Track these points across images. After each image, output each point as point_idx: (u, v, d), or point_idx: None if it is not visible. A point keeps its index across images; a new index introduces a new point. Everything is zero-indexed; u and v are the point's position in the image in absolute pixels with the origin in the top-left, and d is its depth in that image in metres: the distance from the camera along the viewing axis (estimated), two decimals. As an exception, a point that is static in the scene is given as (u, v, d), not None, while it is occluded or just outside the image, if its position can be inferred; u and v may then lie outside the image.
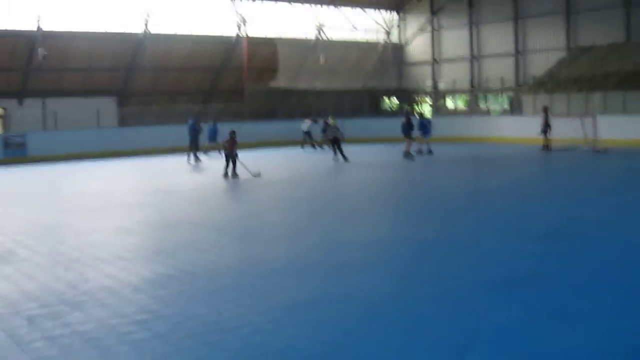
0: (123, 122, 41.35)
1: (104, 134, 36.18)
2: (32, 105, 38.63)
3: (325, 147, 33.12)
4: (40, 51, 36.60)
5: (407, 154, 28.48)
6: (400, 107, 52.48)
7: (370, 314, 7.89)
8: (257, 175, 23.03)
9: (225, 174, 23.33)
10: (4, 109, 40.01)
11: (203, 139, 32.63)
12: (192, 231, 13.36)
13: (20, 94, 40.04)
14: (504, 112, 46.65)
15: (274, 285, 9.15)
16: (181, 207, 16.88)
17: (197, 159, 30.78)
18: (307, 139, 36.75)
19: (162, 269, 10.10)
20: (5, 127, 39.46)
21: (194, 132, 31.68)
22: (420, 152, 29.94)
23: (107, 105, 40.77)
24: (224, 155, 23.92)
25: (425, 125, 30.61)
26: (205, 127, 33.59)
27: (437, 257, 10.73)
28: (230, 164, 23.40)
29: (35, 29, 38.45)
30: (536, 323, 7.34)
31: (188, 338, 7.11)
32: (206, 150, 33.13)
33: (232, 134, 23.74)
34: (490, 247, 11.38)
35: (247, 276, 9.66)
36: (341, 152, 28.83)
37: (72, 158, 31.49)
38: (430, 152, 29.96)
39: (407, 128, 29.25)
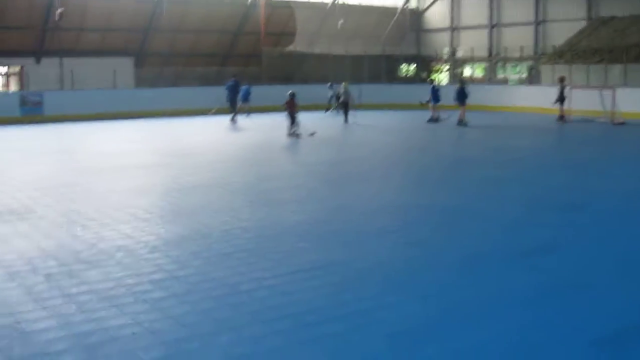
0: (139, 83, 41.32)
1: (121, 95, 36.12)
2: (49, 64, 38.58)
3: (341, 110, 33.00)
4: (58, 9, 36.46)
5: (461, 122, 28.51)
6: (417, 74, 52.22)
7: (388, 279, 7.88)
8: (312, 133, 24.49)
9: (291, 133, 24.60)
10: (21, 67, 40.05)
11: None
12: (207, 193, 13.36)
13: (38, 53, 40.06)
14: (521, 82, 46.34)
15: (290, 248, 9.14)
16: (196, 169, 16.85)
17: (233, 119, 31.08)
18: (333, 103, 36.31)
19: (179, 230, 10.11)
20: (22, 86, 39.52)
21: (233, 93, 32.00)
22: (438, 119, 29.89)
23: (124, 66, 40.74)
24: (287, 115, 24.84)
25: (437, 92, 30.43)
26: (242, 89, 33.72)
27: (457, 225, 10.70)
28: (291, 124, 24.72)
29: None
30: (553, 292, 7.34)
31: (205, 299, 7.12)
32: (240, 112, 33.14)
33: (292, 95, 24.91)
34: (509, 216, 11.32)
35: (263, 239, 9.65)
36: (345, 114, 30.24)
37: (88, 118, 31.45)
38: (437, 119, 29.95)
39: (462, 96, 29.16)
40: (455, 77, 50.86)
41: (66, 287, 7.51)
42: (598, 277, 7.98)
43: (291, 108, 24.74)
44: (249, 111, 34.02)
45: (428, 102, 30.55)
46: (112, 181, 14.99)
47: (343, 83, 32.73)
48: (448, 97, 29.91)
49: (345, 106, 31.11)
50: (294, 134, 24.58)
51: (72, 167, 17.32)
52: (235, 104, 31.84)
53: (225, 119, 30.83)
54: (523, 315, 6.68)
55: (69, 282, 7.69)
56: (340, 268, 8.25)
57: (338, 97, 34.65)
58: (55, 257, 8.67)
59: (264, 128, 28.49)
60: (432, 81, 33.29)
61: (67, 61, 37.73)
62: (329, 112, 35.73)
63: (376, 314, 6.71)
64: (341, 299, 7.15)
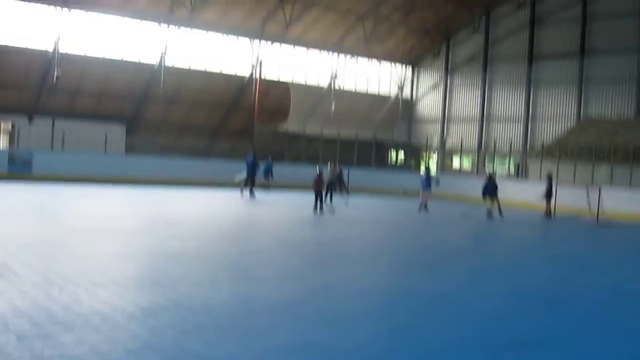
0: (130, 149, 41.44)
1: (111, 160, 36.16)
2: (42, 124, 38.79)
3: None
4: (56, 71, 36.82)
5: (490, 213, 28.53)
6: (406, 162, 52.61)
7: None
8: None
9: (315, 209, 25.92)
10: (13, 124, 40.15)
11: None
12: (188, 264, 13.24)
13: (31, 112, 40.22)
14: (509, 176, 46.73)
15: (268, 325, 9.01)
16: (182, 239, 16.75)
17: (252, 194, 31.85)
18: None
19: (157, 299, 9.97)
20: (12, 143, 39.54)
21: (253, 168, 32.83)
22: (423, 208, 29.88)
23: (116, 132, 40.91)
24: (315, 192, 26.20)
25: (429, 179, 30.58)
26: (262, 165, 35.02)
27: (439, 313, 10.60)
28: (318, 200, 26.03)
29: (52, 49, 38.75)
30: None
31: (179, 371, 6.98)
32: (261, 187, 34.33)
33: (320, 172, 26.67)
34: (490, 308, 11.24)
35: (242, 314, 9.52)
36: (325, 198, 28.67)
37: (76, 180, 31.40)
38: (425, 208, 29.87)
39: (492, 189, 29.23)
40: (444, 167, 51.33)
41: (38, 348, 7.34)
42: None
43: (319, 185, 26.16)
44: (270, 187, 35.11)
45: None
46: (95, 245, 14.86)
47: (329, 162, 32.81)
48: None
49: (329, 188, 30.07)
50: (326, 209, 26.30)
51: (55, 227, 17.20)
52: (250, 179, 32.57)
53: (220, 193, 30.88)
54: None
55: (41, 343, 7.51)
56: (315, 349, 8.12)
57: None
58: (30, 318, 8.50)
59: (261, 204, 28.46)
60: (427, 169, 33.31)
61: (60, 122, 37.95)
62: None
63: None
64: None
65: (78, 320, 8.53)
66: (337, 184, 31.92)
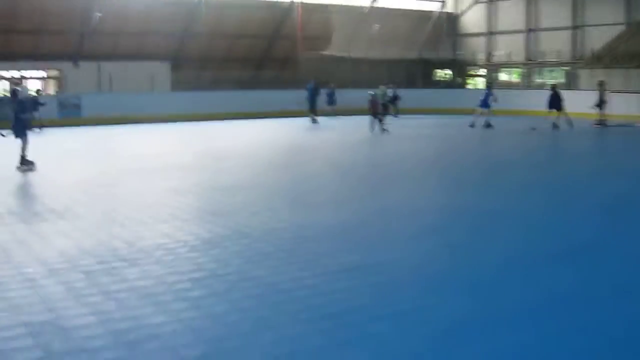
0: (176, 86, 41.52)
1: (158, 98, 36.31)
2: (87, 68, 38.95)
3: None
4: (96, 14, 36.85)
5: (555, 125, 28.23)
6: (453, 79, 51.92)
7: (428, 281, 7.77)
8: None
9: (372, 129, 27.57)
10: (59, 70, 40.43)
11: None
12: (245, 195, 13.31)
13: (76, 57, 40.36)
14: (559, 87, 45.92)
15: (329, 249, 9.06)
16: (236, 171, 16.83)
17: (314, 120, 32.74)
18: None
19: (218, 230, 10.07)
20: (60, 89, 39.89)
21: (313, 95, 33.90)
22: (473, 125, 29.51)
23: (161, 70, 40.93)
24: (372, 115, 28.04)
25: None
26: (324, 92, 35.57)
27: (499, 227, 10.55)
28: (376, 122, 27.68)
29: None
30: (595, 295, 7.19)
31: (246, 298, 7.04)
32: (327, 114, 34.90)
33: (374, 96, 28.66)
34: (551, 218, 11.15)
35: (303, 240, 9.57)
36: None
37: (126, 121, 31.61)
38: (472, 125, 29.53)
39: (557, 101, 28.74)
40: (492, 81, 50.62)
41: (105, 284, 7.48)
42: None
43: (375, 108, 28.07)
44: (336, 113, 35.44)
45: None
46: (150, 182, 15.03)
47: (381, 86, 32.83)
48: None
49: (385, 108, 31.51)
50: (384, 130, 27.24)
51: (110, 169, 17.38)
52: (315, 106, 33.68)
53: (268, 123, 30.96)
54: (567, 319, 6.52)
55: (108, 279, 7.66)
56: (381, 269, 8.15)
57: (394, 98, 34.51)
58: (95, 255, 8.66)
59: (303, 130, 28.49)
60: (490, 85, 32.55)
61: (105, 65, 38.10)
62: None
63: (418, 315, 6.60)
64: (382, 300, 7.04)
65: (141, 255, 8.67)
66: (390, 106, 32.79)
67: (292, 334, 6.11)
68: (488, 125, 29.08)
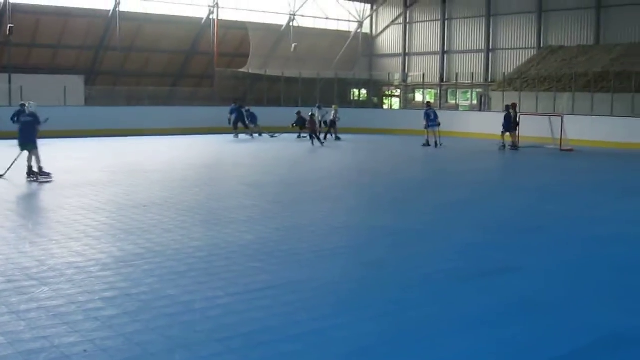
0: (90, 101, 40.87)
1: (70, 112, 35.65)
2: (-2, 80, 38.06)
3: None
4: (8, 25, 36.10)
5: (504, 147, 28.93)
6: (368, 99, 52.49)
7: (343, 299, 7.86)
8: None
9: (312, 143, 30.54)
10: (-31, 82, 39.40)
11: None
12: (158, 212, 13.20)
13: (-14, 68, 39.46)
14: (472, 108, 46.96)
15: (243, 268, 9.07)
16: (149, 187, 16.66)
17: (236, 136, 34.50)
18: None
19: (130, 248, 9.98)
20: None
21: (239, 115, 35.27)
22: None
23: (75, 84, 40.20)
24: (310, 134, 31.05)
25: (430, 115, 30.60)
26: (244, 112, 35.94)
27: (409, 247, 10.73)
28: (315, 138, 30.70)
29: (2, 1, 37.94)
30: (510, 311, 7.44)
31: (158, 317, 7.02)
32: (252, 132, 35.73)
33: (312, 116, 31.42)
34: (464, 238, 11.39)
35: (216, 258, 9.56)
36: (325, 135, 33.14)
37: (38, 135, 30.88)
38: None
39: (509, 122, 29.14)
40: (407, 102, 51.38)
41: (15, 303, 7.35)
42: (553, 296, 8.06)
43: (312, 127, 30.99)
44: (260, 131, 35.89)
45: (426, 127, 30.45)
46: (62, 198, 14.76)
47: (333, 106, 35.18)
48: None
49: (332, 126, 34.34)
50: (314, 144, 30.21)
51: (20, 184, 17.01)
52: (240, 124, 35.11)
53: (182, 139, 30.76)
54: (479, 335, 6.71)
55: (17, 298, 7.53)
56: (294, 288, 8.21)
57: (326, 121, 34.89)
58: (4, 274, 8.49)
59: (216, 147, 28.39)
60: (429, 104, 32.98)
61: (17, 77, 37.25)
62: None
63: (331, 334, 6.69)
64: (295, 319, 7.10)
65: (52, 274, 8.54)
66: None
67: (205, 354, 6.12)
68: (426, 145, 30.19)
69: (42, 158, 17.91)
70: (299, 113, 34.88)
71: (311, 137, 30.89)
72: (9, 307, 7.25)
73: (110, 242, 10.44)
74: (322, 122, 34.97)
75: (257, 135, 35.55)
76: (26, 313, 7.05)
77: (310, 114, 31.80)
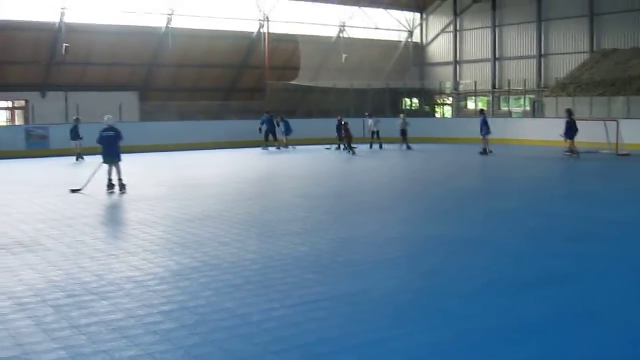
0: (144, 116, 41.46)
1: (126, 128, 36.05)
2: (55, 98, 38.78)
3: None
4: (64, 44, 36.83)
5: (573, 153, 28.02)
6: (420, 107, 52.36)
7: (398, 310, 7.84)
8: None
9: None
10: (26, 101, 40.23)
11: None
12: (214, 225, 13.32)
13: (43, 86, 40.26)
14: (525, 114, 46.50)
15: (299, 280, 9.10)
16: (205, 201, 16.81)
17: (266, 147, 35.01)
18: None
19: (187, 261, 10.10)
20: (27, 119, 39.65)
21: (270, 126, 35.78)
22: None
23: (129, 100, 40.85)
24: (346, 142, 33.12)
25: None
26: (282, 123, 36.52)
27: (464, 256, 10.66)
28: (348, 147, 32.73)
29: (58, 21, 38.68)
30: (562, 321, 7.32)
31: (215, 330, 7.08)
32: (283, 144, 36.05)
33: (346, 124, 33.29)
34: (516, 247, 11.29)
35: (271, 270, 9.60)
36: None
37: (93, 151, 31.38)
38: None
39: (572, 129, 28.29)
40: (459, 110, 51.09)
41: (75, 318, 7.48)
42: (607, 306, 7.93)
43: (347, 134, 32.88)
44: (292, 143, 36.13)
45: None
46: (118, 213, 15.01)
47: (401, 115, 36.08)
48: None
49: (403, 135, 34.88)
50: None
51: (77, 200, 17.29)
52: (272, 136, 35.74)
53: (237, 153, 31.01)
54: (536, 345, 6.63)
55: (78, 313, 7.66)
56: (350, 299, 8.22)
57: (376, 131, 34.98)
58: (64, 289, 8.65)
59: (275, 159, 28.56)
60: (482, 111, 32.71)
61: (72, 95, 37.94)
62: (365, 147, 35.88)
63: (387, 345, 6.66)
64: (351, 330, 7.10)
65: (111, 288, 8.68)
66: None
67: (262, 366, 6.16)
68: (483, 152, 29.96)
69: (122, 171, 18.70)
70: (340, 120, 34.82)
71: (346, 147, 32.45)
72: (69, 321, 7.38)
73: (167, 256, 10.57)
74: (374, 133, 35.03)
75: (289, 147, 35.61)
76: (86, 327, 7.17)
77: (345, 122, 33.39)
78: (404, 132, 34.66)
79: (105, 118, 20.02)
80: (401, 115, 35.97)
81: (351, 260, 10.27)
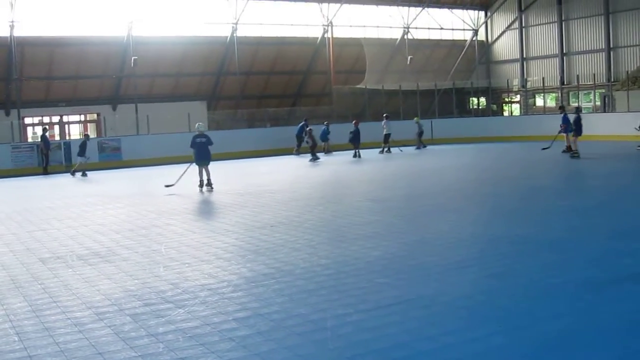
0: (213, 125, 41.95)
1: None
2: (125, 111, 39.62)
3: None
4: (132, 57, 37.59)
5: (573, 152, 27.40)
6: (487, 106, 51.82)
7: (472, 313, 7.76)
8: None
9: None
10: (98, 114, 41.10)
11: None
12: (285, 231, 13.39)
13: (114, 100, 41.10)
14: (595, 109, 45.66)
15: (372, 284, 9.09)
16: (270, 209, 16.92)
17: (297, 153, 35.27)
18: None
19: (260, 268, 10.17)
20: (99, 132, 40.51)
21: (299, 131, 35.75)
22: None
23: (197, 109, 41.36)
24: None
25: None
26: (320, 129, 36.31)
27: (538, 256, 10.50)
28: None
29: (126, 35, 39.42)
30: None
31: (290, 336, 7.11)
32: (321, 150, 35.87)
33: (310, 130, 33.55)
34: (593, 246, 11.09)
35: (344, 275, 9.61)
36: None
37: (164, 162, 31.95)
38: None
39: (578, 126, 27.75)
40: (528, 107, 50.42)
41: (153, 326, 7.61)
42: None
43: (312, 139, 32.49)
44: (329, 149, 35.51)
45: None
46: (191, 222, 15.21)
47: (415, 118, 35.37)
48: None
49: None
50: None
51: (150, 210, 17.57)
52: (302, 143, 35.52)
53: (298, 159, 31.12)
54: (615, 347, 6.50)
55: (155, 321, 7.79)
56: (424, 303, 8.17)
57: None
58: (141, 298, 8.80)
59: (339, 164, 28.63)
60: (562, 108, 31.42)
61: (142, 107, 38.66)
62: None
63: (464, 348, 6.60)
64: (427, 334, 7.06)
65: (186, 296, 8.79)
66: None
67: (338, 371, 6.17)
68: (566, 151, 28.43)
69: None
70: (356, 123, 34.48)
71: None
72: (147, 329, 7.50)
73: (240, 263, 10.67)
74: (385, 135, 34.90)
75: (320, 153, 35.02)
76: (164, 335, 7.28)
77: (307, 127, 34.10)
78: (420, 134, 35.84)
79: (197, 125, 22.53)
80: (415, 118, 36.68)
81: (423, 263, 10.22)
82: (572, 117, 27.81)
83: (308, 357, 6.52)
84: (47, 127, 34.71)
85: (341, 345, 6.79)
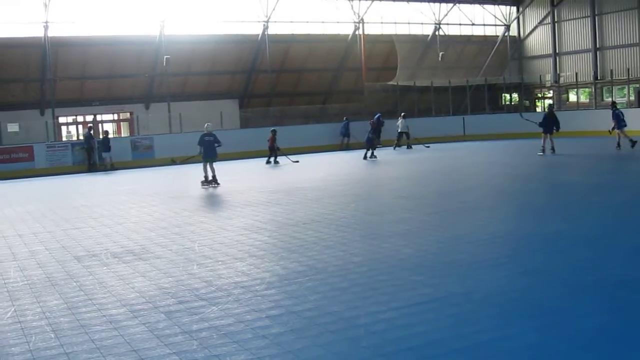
0: (245, 123, 42.10)
1: (227, 135, 36.73)
2: (157, 109, 39.92)
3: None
4: (165, 56, 37.84)
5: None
6: (520, 102, 51.46)
7: (505, 311, 7.73)
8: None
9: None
10: (131, 113, 41.46)
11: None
12: (318, 229, 13.41)
13: (146, 98, 41.41)
14: (629, 105, 45.12)
15: (405, 281, 9.09)
16: (302, 206, 16.95)
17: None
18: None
19: (293, 266, 10.20)
20: (132, 131, 40.86)
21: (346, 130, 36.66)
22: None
23: (229, 107, 41.61)
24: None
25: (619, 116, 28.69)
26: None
27: (572, 253, 10.42)
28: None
29: (159, 34, 39.70)
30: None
31: (324, 334, 7.13)
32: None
33: (274, 132, 31.33)
34: (627, 242, 10.99)
35: (377, 273, 9.61)
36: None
37: (197, 160, 32.01)
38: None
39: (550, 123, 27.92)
40: (561, 103, 49.96)
41: (187, 324, 7.66)
42: None
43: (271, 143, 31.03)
44: (348, 146, 35.93)
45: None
46: (224, 219, 15.28)
47: (400, 116, 36.02)
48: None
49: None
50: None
51: (183, 207, 17.69)
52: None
53: (322, 156, 31.16)
54: (651, 344, 6.45)
55: (189, 319, 7.84)
56: (457, 300, 8.15)
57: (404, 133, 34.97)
58: (175, 295, 8.87)
59: (365, 162, 28.62)
60: (614, 104, 30.84)
61: (175, 105, 38.90)
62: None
63: (497, 346, 6.58)
64: (460, 332, 7.04)
65: (220, 294, 8.84)
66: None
67: (371, 369, 6.17)
68: (633, 144, 27.95)
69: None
70: (372, 123, 34.46)
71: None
72: (181, 327, 7.56)
73: (273, 261, 10.70)
74: (402, 134, 34.90)
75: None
76: (198, 332, 7.33)
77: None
78: (407, 135, 35.45)
79: (206, 125, 23.89)
80: (399, 119, 36.38)
81: (456, 261, 10.18)
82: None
83: (341, 355, 6.54)
84: (91, 125, 35.30)
85: (374, 342, 6.80)
